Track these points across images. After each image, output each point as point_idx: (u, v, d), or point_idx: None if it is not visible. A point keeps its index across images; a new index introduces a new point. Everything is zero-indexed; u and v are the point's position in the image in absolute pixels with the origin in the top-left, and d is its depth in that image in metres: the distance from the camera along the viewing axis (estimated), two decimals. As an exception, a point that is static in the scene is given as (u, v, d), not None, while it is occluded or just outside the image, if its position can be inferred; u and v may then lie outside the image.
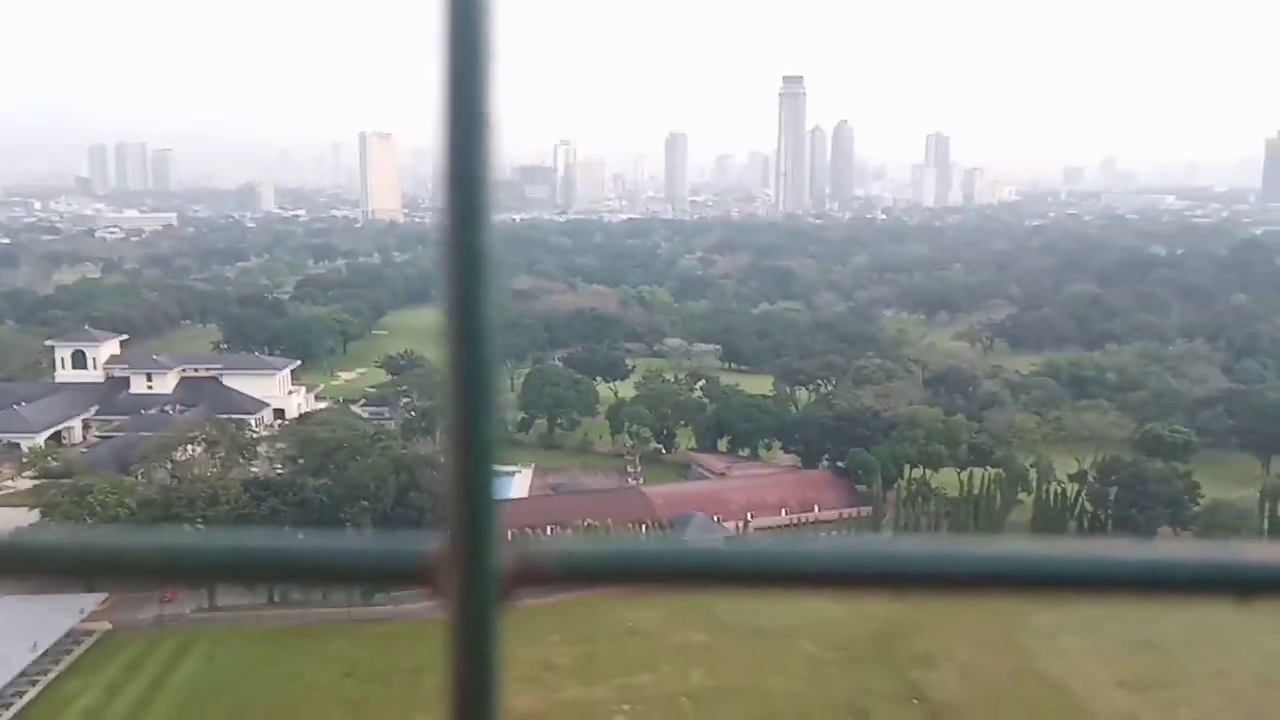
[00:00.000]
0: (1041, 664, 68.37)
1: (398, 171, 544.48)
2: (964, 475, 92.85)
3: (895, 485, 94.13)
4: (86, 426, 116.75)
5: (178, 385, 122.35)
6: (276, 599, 77.62)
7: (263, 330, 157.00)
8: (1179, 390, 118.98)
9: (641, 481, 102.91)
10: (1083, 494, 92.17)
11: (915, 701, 63.38)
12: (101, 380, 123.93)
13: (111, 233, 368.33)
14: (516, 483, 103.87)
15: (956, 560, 1.03)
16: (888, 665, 68.14)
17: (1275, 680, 65.66)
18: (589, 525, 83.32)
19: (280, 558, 1.09)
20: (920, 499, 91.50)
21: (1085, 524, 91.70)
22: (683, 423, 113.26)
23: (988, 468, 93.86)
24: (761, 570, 1.12)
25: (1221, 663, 67.38)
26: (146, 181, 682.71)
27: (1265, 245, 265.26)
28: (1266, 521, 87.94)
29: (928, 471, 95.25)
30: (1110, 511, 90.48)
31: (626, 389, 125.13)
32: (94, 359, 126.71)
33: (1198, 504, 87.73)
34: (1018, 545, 1.04)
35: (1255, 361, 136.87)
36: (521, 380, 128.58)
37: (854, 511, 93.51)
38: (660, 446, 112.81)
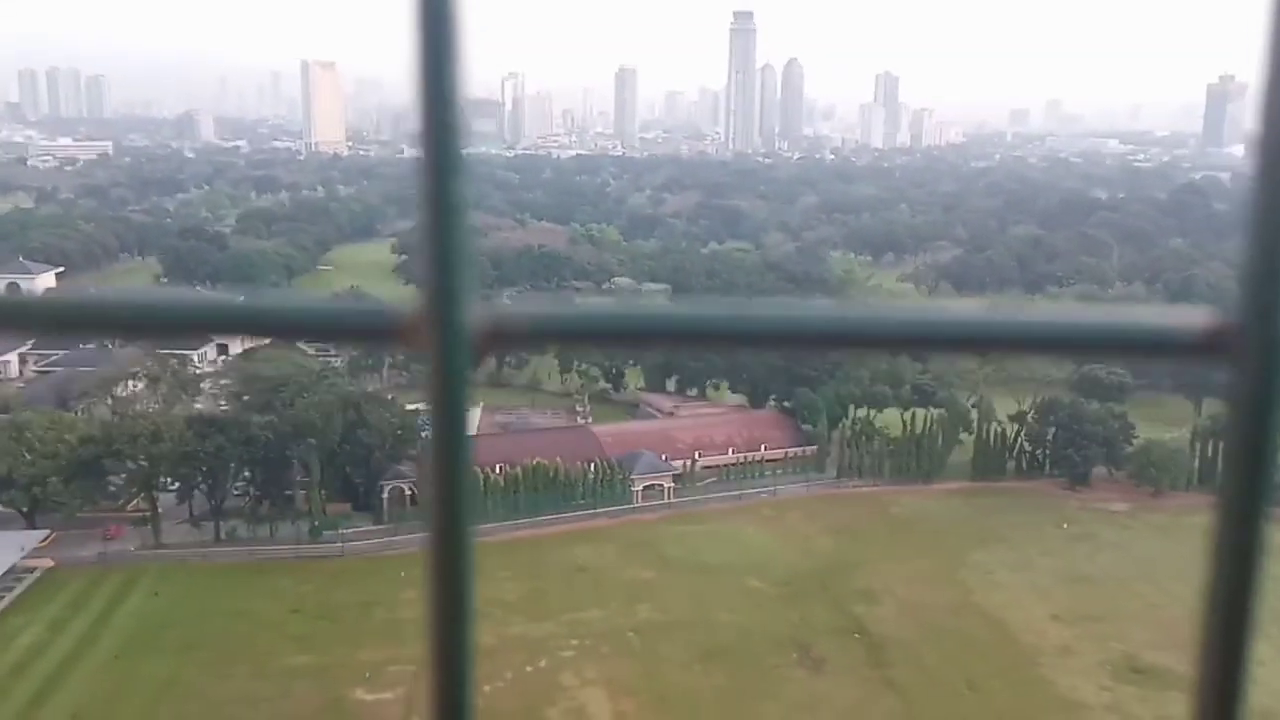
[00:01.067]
0: (978, 598, 70.41)
1: (341, 102, 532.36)
2: (907, 415, 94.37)
3: (840, 425, 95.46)
4: (23, 361, 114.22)
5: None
6: (223, 536, 77.28)
7: (204, 264, 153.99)
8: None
9: (590, 421, 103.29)
10: (1022, 434, 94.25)
11: (857, 635, 65.04)
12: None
13: (44, 161, 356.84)
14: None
15: (877, 323, 1.16)
16: (830, 600, 69.76)
17: (1200, 613, 68.19)
18: (537, 464, 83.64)
19: (265, 315, 1.15)
20: (864, 438, 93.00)
21: (1024, 463, 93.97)
22: (631, 362, 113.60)
23: (930, 408, 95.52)
24: (718, 330, 1.20)
25: (1153, 597, 69.85)
26: (80, 108, 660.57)
27: (1203, 190, 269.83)
28: (1197, 460, 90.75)
29: (872, 411, 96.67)
30: (1048, 451, 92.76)
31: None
32: (29, 291, 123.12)
33: (1132, 444, 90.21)
34: (912, 309, 1.16)
35: (1191, 305, 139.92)
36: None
37: (800, 450, 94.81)
38: (609, 386, 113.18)
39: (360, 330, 1.17)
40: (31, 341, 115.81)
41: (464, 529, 1.23)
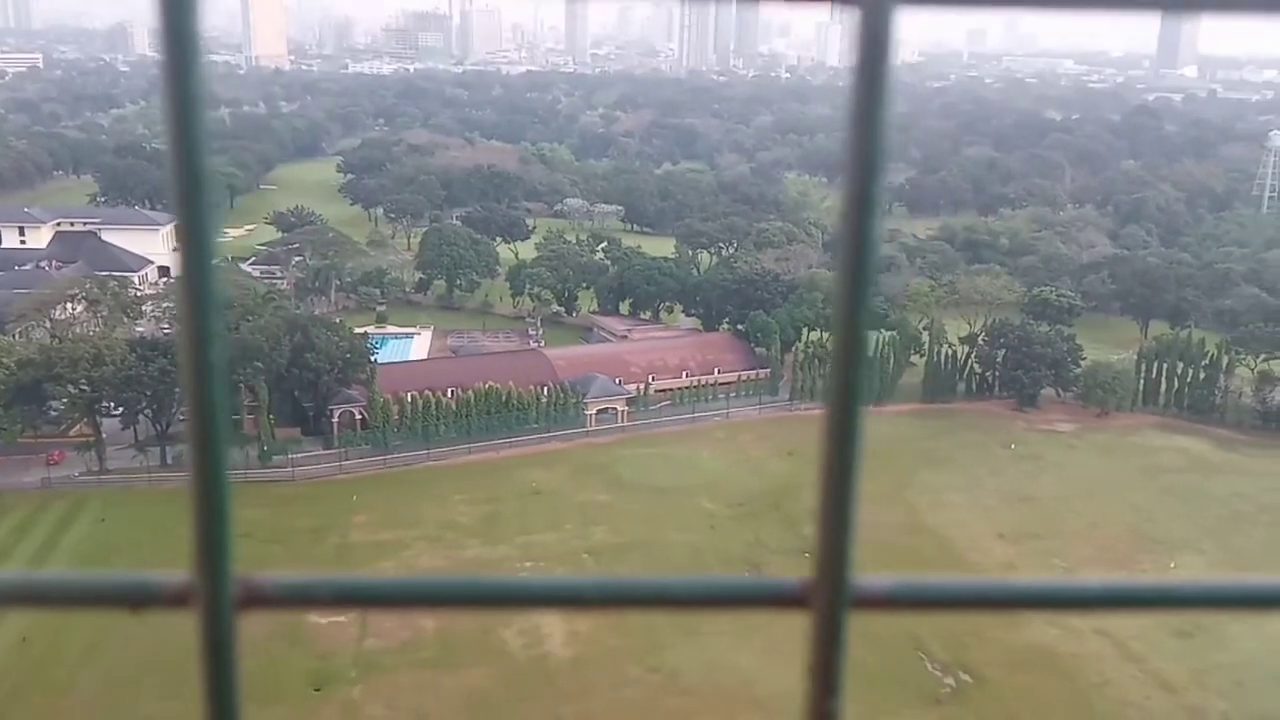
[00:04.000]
0: (926, 517, 71.57)
1: (282, 14, 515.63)
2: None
3: (793, 348, 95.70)
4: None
5: (53, 240, 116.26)
6: (170, 461, 76.07)
7: (142, 183, 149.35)
8: (1067, 255, 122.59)
9: (542, 344, 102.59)
10: (972, 356, 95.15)
11: (808, 555, 65.35)
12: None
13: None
14: (416, 344, 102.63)
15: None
16: (782, 520, 70.50)
17: (1143, 532, 70.02)
18: (489, 388, 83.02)
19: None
20: (817, 361, 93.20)
21: (974, 385, 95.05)
22: (584, 285, 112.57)
23: (883, 330, 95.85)
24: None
25: (1094, 517, 71.45)
26: (6, 19, 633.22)
27: (1156, 112, 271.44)
28: (1143, 381, 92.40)
29: (825, 334, 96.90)
30: (998, 373, 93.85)
31: (527, 250, 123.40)
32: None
33: (1079, 365, 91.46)
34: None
35: (1140, 228, 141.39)
36: (419, 239, 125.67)
37: (753, 373, 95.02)
38: (562, 309, 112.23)
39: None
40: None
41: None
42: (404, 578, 1.41)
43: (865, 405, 1.42)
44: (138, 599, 1.36)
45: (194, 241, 1.27)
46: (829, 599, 1.42)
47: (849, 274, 1.36)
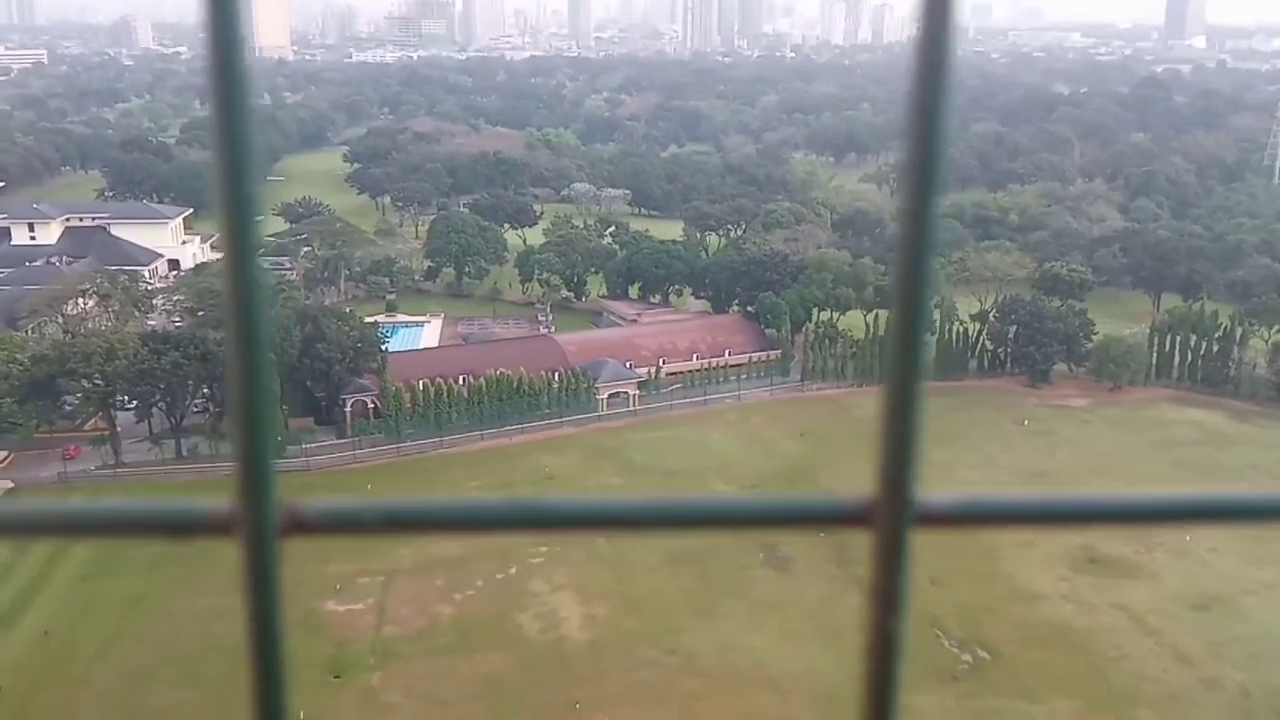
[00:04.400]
0: (941, 496, 71.41)
1: (284, 4, 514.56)
2: (869, 317, 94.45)
3: (803, 328, 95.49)
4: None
5: (62, 235, 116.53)
6: (184, 453, 76.44)
7: (150, 177, 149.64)
8: (1078, 230, 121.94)
9: (553, 329, 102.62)
10: (984, 332, 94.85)
11: (821, 535, 65.88)
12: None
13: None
14: (426, 333, 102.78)
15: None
16: (796, 501, 70.45)
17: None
18: (501, 375, 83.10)
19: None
20: (827, 341, 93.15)
21: (985, 362, 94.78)
22: (593, 270, 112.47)
23: (892, 310, 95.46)
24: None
25: (1109, 490, 71.16)
26: (10, 15, 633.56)
27: (1164, 84, 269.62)
28: (1155, 354, 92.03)
29: (835, 314, 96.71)
30: (1009, 349, 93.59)
31: (535, 236, 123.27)
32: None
33: (1091, 340, 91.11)
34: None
35: (1150, 201, 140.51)
36: (427, 227, 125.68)
37: (763, 355, 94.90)
38: (571, 294, 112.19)
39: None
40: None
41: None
42: (451, 499, 1.42)
43: (927, 317, 1.40)
44: (180, 527, 1.35)
45: (235, 174, 1.25)
46: (892, 516, 1.40)
47: (914, 212, 1.35)
